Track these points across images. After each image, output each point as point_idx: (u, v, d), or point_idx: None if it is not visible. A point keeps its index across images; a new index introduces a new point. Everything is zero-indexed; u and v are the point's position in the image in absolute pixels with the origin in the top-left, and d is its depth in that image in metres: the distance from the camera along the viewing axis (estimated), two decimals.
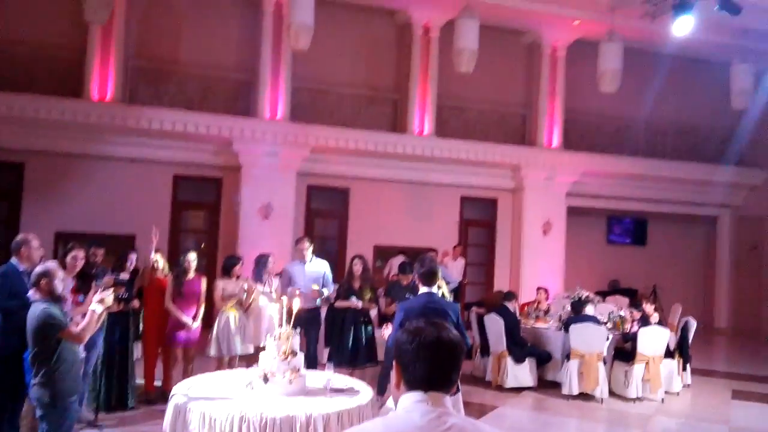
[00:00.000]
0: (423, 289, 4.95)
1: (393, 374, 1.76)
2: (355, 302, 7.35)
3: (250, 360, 6.96)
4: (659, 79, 13.12)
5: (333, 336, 7.47)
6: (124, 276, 6.61)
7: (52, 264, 4.49)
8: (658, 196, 14.26)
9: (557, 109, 13.37)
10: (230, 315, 6.95)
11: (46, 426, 4.10)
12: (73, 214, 10.58)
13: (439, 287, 6.26)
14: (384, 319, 9.80)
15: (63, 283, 4.34)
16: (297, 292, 6.55)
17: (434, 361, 1.68)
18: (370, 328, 7.63)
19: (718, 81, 12.94)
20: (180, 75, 11.46)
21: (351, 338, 7.34)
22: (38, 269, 4.33)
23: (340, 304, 7.44)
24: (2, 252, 9.32)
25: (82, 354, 5.53)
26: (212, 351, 6.91)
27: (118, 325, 6.40)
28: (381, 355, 8.09)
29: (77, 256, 5.83)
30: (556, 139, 13.36)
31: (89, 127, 10.48)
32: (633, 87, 12.86)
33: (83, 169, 10.88)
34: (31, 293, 4.23)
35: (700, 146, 14.65)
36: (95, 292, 5.21)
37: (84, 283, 5.66)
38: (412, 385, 1.68)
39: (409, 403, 1.67)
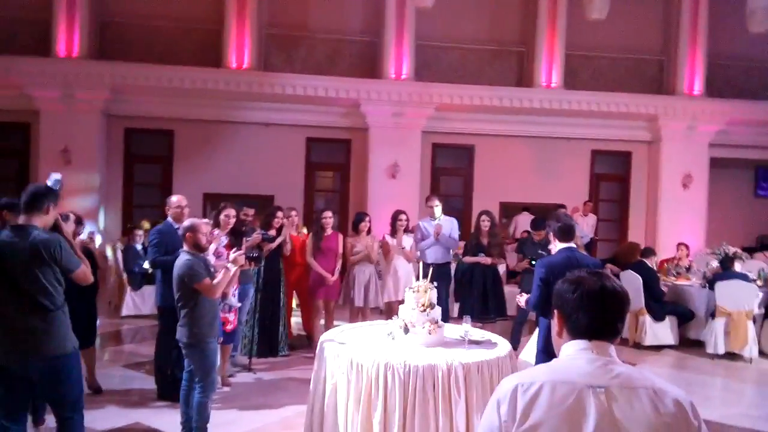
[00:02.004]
0: (560, 245, 4.87)
1: (554, 322, 1.79)
2: (483, 258, 7.40)
3: (384, 314, 7.28)
4: None
5: (462, 291, 7.57)
6: (272, 233, 7.01)
7: (197, 220, 4.90)
8: None
9: (699, 53, 12.41)
10: (361, 269, 7.25)
11: (190, 364, 4.54)
12: (218, 177, 11.36)
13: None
14: (513, 274, 9.81)
15: (206, 237, 4.69)
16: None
17: (598, 310, 1.67)
18: (498, 282, 7.67)
19: None
20: (309, 40, 11.82)
21: (480, 293, 7.41)
22: (185, 223, 4.73)
23: (468, 259, 7.51)
24: (161, 211, 10.28)
25: (237, 304, 6.03)
26: (346, 302, 7.29)
27: (270, 278, 6.89)
28: (510, 309, 8.15)
29: (229, 214, 6.28)
30: (698, 86, 12.44)
31: (229, 94, 11.12)
32: None
33: (225, 134, 11.61)
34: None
35: None
36: (244, 248, 5.63)
37: (237, 239, 6.11)
38: (575, 334, 1.69)
39: (573, 351, 1.68)
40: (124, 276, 8.79)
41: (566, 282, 1.75)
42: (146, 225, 9.20)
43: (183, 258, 4.53)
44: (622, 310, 1.72)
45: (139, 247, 8.88)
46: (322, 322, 7.21)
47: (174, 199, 5.89)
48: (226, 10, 11.22)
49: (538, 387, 1.60)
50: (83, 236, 5.93)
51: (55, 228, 3.76)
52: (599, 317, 1.68)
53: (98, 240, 10.04)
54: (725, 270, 7.84)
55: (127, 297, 8.70)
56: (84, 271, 3.73)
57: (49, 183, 3.97)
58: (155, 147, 11.81)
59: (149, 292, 8.35)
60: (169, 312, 5.53)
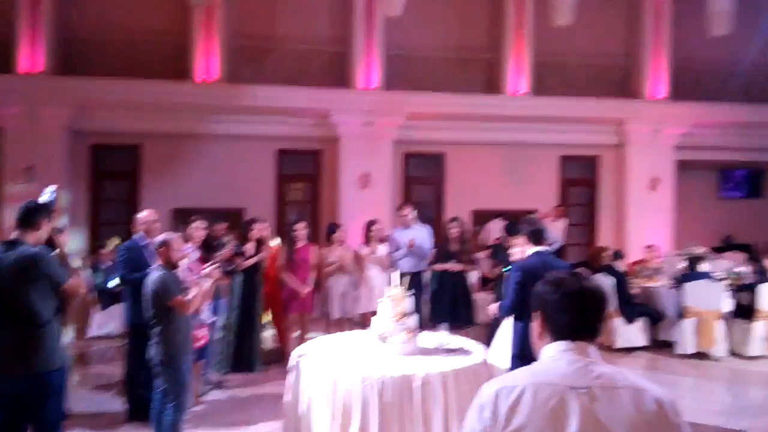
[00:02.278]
0: (532, 249, 4.91)
1: (534, 325, 1.79)
2: (453, 265, 7.40)
3: (359, 325, 7.24)
4: None
5: (433, 299, 7.57)
6: (249, 246, 6.93)
7: (171, 234, 4.83)
8: None
9: (663, 57, 12.66)
10: (336, 280, 7.22)
11: (163, 383, 4.46)
12: (187, 191, 11.21)
13: None
14: (486, 281, 9.84)
15: (180, 253, 4.64)
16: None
17: (579, 310, 1.69)
18: (469, 290, 7.68)
19: None
20: (277, 51, 11.76)
21: (450, 300, 7.40)
22: (158, 239, 4.67)
23: (438, 267, 7.51)
24: (126, 228, 10.11)
25: (211, 319, 5.95)
26: (322, 314, 7.25)
27: (248, 291, 6.82)
28: (481, 316, 8.16)
29: (198, 227, 6.22)
30: (663, 90, 12.68)
31: (196, 107, 11.00)
32: (745, 29, 11.97)
33: (194, 148, 11.46)
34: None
35: None
36: (218, 262, 5.57)
37: (208, 253, 6.04)
38: (557, 335, 1.70)
39: (554, 352, 1.68)
40: (91, 296, 8.60)
41: (547, 283, 1.76)
42: (116, 241, 9.04)
43: (156, 274, 4.46)
44: (602, 309, 1.75)
45: (105, 265, 8.71)
46: (296, 334, 7.15)
47: (143, 214, 5.82)
48: (192, 23, 11.11)
49: (520, 390, 1.60)
50: None
51: (50, 241, 3.76)
52: (580, 317, 1.70)
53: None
54: (692, 270, 7.97)
55: (94, 317, 8.52)
56: (74, 284, 3.74)
57: (43, 197, 3.96)
58: (122, 163, 11.61)
59: (116, 311, 8.19)
60: (139, 330, 5.43)
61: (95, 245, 9.87)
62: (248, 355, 6.88)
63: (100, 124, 10.91)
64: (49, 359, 3.56)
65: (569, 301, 1.69)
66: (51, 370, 3.56)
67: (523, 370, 1.69)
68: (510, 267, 6.44)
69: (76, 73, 10.77)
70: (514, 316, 4.72)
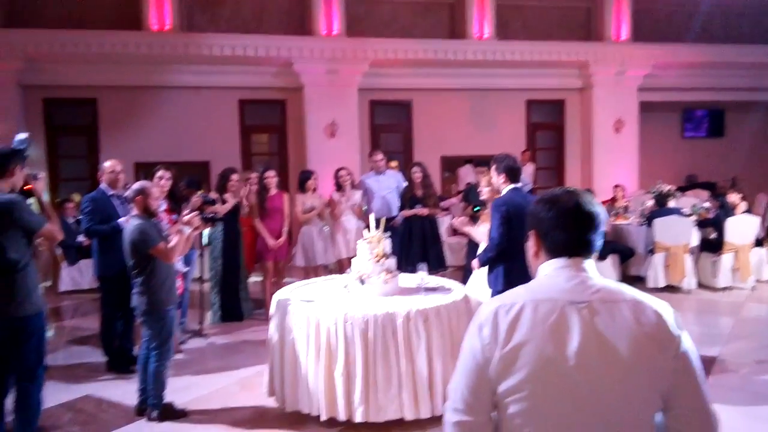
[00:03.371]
0: (508, 187, 4.86)
1: (530, 244, 1.76)
2: (420, 209, 7.37)
3: (334, 272, 7.22)
4: None
5: (402, 244, 7.50)
6: (227, 196, 6.80)
7: (147, 182, 4.67)
8: (736, 84, 13.47)
9: None
10: (311, 228, 7.16)
11: (147, 331, 4.40)
12: (149, 145, 10.89)
13: None
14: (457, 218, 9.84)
15: (157, 202, 4.51)
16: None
17: (575, 226, 1.65)
18: (438, 233, 7.67)
19: None
20: None
21: (420, 245, 7.38)
22: (135, 186, 4.51)
23: (405, 212, 7.45)
24: (90, 183, 9.80)
25: (184, 269, 5.83)
26: (297, 261, 7.20)
27: (228, 242, 6.73)
28: (450, 260, 8.16)
29: (163, 176, 6.03)
30: (625, 31, 12.68)
31: (152, 57, 10.58)
32: None
33: (152, 100, 11.10)
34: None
35: None
36: (187, 211, 5.43)
37: (176, 203, 5.88)
38: (553, 253, 1.67)
39: (551, 270, 1.65)
40: (58, 252, 8.37)
41: (541, 202, 1.71)
42: (77, 197, 8.78)
43: (134, 223, 4.32)
44: (598, 225, 1.70)
45: (70, 220, 8.46)
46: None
47: (108, 164, 5.62)
48: None
49: (519, 307, 1.57)
50: None
51: (25, 189, 3.67)
52: (576, 234, 1.66)
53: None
54: (661, 207, 8.12)
55: (63, 272, 8.31)
56: (50, 230, 3.71)
57: (15, 144, 3.84)
58: (78, 117, 11.19)
59: (86, 265, 8.00)
60: (111, 281, 5.32)
61: (57, 201, 9.55)
62: (236, 304, 6.85)
63: (53, 77, 10.47)
64: (26, 304, 3.56)
65: (565, 217, 1.65)
66: (28, 315, 3.57)
67: (521, 288, 1.66)
68: (478, 207, 6.45)
69: (24, 25, 10.24)
70: (503, 252, 4.63)
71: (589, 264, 1.67)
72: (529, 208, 1.77)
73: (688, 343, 1.55)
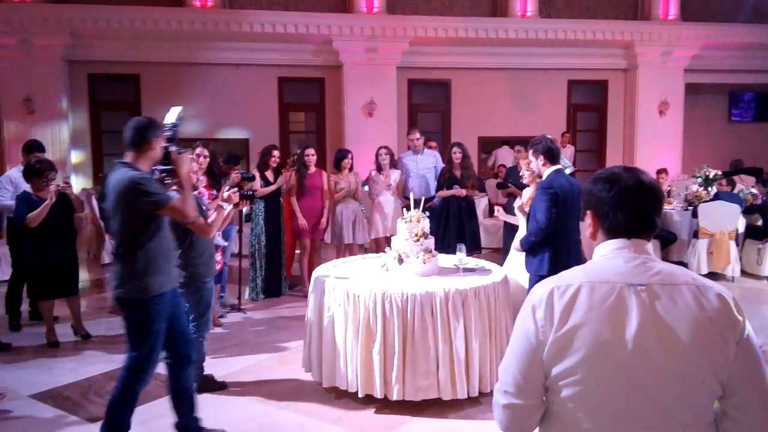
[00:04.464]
0: (550, 169, 4.76)
1: (585, 224, 1.70)
2: (458, 190, 7.27)
3: (371, 251, 7.23)
4: None
5: (438, 225, 7.43)
6: (268, 174, 6.88)
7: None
8: None
9: None
10: (346, 206, 7.16)
11: (186, 303, 4.45)
12: (189, 121, 10.96)
13: None
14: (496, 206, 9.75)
15: (196, 176, 4.53)
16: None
17: (637, 206, 1.59)
18: (474, 215, 7.58)
19: None
20: None
21: (456, 226, 7.31)
22: None
23: (443, 193, 7.34)
24: None
25: (224, 243, 5.90)
26: (329, 239, 7.24)
27: (270, 219, 6.80)
28: (486, 242, 8.04)
29: (201, 153, 6.07)
30: (673, 11, 12.30)
31: (194, 34, 10.67)
32: None
33: (193, 76, 11.20)
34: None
35: None
36: (226, 188, 5.46)
37: (215, 179, 5.93)
38: (612, 234, 1.61)
39: (608, 251, 1.60)
40: (102, 224, 8.55)
41: (599, 181, 1.65)
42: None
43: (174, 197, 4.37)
44: (660, 204, 1.65)
45: None
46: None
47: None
48: None
49: (575, 289, 1.52)
50: (58, 181, 5.69)
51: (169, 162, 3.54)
52: (637, 214, 1.60)
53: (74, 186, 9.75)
54: (707, 192, 7.91)
55: (106, 244, 8.50)
56: (177, 206, 3.46)
57: (170, 117, 3.65)
58: (121, 93, 11.36)
59: None
60: None
61: (100, 175, 9.75)
62: (275, 281, 6.95)
63: (97, 53, 10.65)
64: (149, 283, 3.44)
65: (627, 197, 1.59)
66: (155, 294, 3.48)
67: (577, 269, 1.60)
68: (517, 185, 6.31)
69: (71, 1, 10.39)
70: (551, 235, 4.55)
71: (650, 245, 1.62)
72: (585, 187, 1.72)
73: (750, 329, 1.49)
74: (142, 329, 3.48)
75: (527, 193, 5.34)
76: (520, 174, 5.49)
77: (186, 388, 3.68)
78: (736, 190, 8.62)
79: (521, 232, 5.28)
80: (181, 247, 4.33)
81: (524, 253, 4.83)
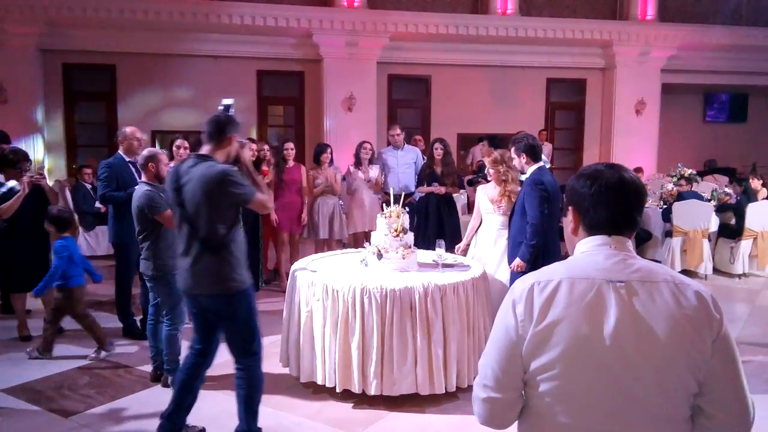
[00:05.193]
0: (533, 166, 4.78)
1: (567, 221, 1.71)
2: (437, 187, 7.13)
3: (350, 246, 7.21)
4: None
5: (418, 221, 7.39)
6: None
7: (157, 149, 4.66)
8: (761, 68, 13.20)
9: None
10: (324, 201, 7.13)
11: (156, 296, 4.44)
12: (166, 113, 10.89)
13: None
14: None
15: (167, 168, 4.48)
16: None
17: (618, 203, 1.60)
18: (454, 212, 7.55)
19: None
20: None
21: (435, 223, 7.22)
22: (145, 153, 4.49)
23: (422, 189, 7.24)
24: (107, 149, 9.81)
25: None
26: (307, 234, 7.21)
27: (249, 212, 6.73)
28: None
29: (180, 145, 6.04)
30: (651, 11, 12.43)
31: (172, 25, 10.52)
32: None
33: (171, 68, 11.05)
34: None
35: None
36: None
37: None
38: (593, 230, 1.62)
39: (589, 247, 1.60)
40: (75, 217, 8.42)
41: (582, 177, 1.65)
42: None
43: (142, 189, 4.33)
44: (641, 202, 1.65)
45: (89, 186, 8.50)
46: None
47: (128, 130, 5.57)
48: None
49: (555, 284, 1.53)
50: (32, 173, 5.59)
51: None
52: (618, 211, 1.60)
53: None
54: (682, 192, 8.02)
55: (79, 238, 8.37)
56: (261, 200, 3.47)
57: (222, 108, 3.67)
58: (97, 83, 11.17)
59: (103, 231, 8.05)
60: (125, 248, 5.32)
61: (74, 167, 9.60)
62: (254, 275, 6.85)
63: (72, 42, 10.45)
64: (233, 280, 3.43)
65: (608, 193, 1.59)
66: (238, 290, 3.47)
67: (558, 265, 1.62)
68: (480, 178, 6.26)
69: None
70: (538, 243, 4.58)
71: (630, 243, 1.63)
72: (568, 183, 1.72)
73: (727, 328, 1.51)
74: (249, 321, 3.54)
75: (490, 191, 5.32)
76: (486, 170, 5.46)
77: (196, 387, 3.70)
78: (708, 190, 8.78)
79: (489, 230, 5.29)
80: (148, 239, 4.30)
81: (508, 248, 4.88)
